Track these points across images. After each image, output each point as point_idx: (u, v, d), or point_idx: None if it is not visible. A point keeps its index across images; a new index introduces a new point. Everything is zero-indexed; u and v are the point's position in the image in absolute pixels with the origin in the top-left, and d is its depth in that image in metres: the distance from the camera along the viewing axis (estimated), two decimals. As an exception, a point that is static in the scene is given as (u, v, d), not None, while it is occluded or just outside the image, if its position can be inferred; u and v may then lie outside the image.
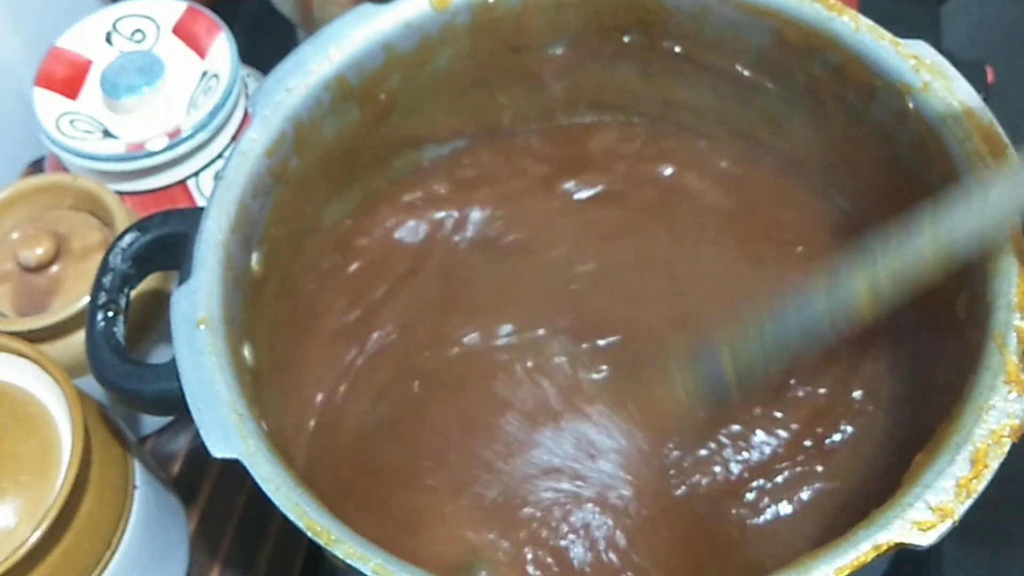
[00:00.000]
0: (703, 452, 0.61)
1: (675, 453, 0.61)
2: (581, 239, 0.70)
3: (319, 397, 0.65)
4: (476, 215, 0.72)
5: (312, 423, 0.64)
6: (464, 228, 0.72)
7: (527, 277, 0.69)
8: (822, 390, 0.63)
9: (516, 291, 0.68)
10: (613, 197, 0.72)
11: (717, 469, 0.61)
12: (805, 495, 0.60)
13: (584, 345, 0.66)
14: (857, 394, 0.63)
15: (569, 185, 0.73)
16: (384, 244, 0.71)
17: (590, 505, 0.60)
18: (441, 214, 0.72)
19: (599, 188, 0.72)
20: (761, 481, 0.61)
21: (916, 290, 0.53)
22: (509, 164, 0.73)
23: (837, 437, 0.62)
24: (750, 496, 0.60)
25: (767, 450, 0.61)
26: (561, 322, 0.67)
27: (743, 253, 0.68)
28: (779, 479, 0.60)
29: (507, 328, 0.67)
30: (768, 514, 0.60)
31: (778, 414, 0.62)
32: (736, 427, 0.62)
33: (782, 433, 0.62)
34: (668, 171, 0.72)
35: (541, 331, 0.67)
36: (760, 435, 0.62)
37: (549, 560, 0.59)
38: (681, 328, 0.64)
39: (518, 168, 0.73)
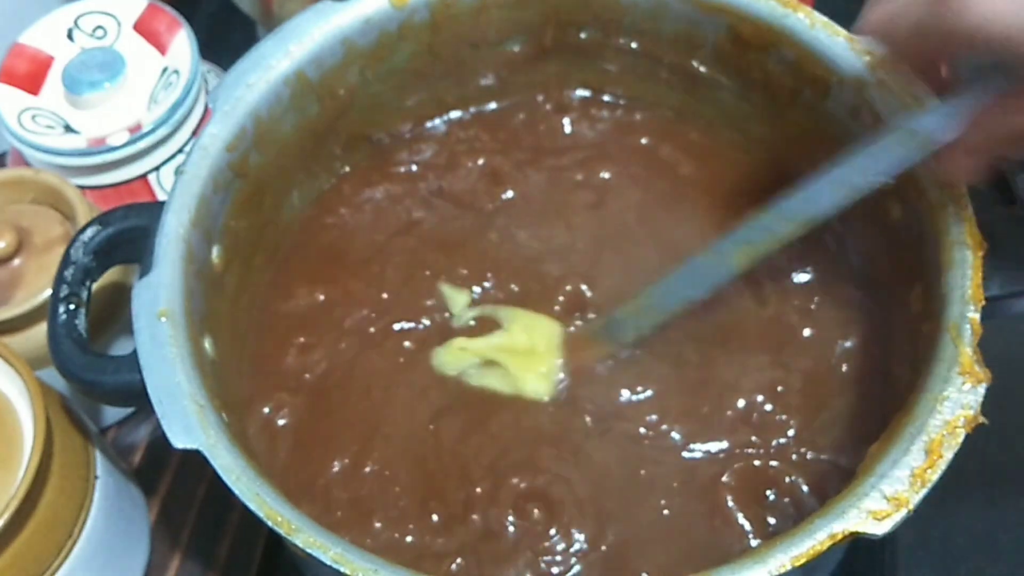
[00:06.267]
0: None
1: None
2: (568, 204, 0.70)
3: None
4: (458, 186, 0.72)
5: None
6: (446, 197, 0.71)
7: (499, 245, 0.69)
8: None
9: (490, 258, 0.68)
10: (601, 165, 0.71)
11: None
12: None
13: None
14: None
15: (556, 158, 0.72)
16: (349, 227, 0.70)
17: None
18: (417, 189, 0.72)
19: (587, 155, 0.72)
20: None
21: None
22: (490, 141, 0.74)
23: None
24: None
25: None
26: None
27: (711, 223, 0.67)
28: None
29: (477, 290, 0.67)
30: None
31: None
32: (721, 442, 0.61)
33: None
34: (644, 140, 0.73)
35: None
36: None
37: None
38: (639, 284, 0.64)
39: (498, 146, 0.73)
